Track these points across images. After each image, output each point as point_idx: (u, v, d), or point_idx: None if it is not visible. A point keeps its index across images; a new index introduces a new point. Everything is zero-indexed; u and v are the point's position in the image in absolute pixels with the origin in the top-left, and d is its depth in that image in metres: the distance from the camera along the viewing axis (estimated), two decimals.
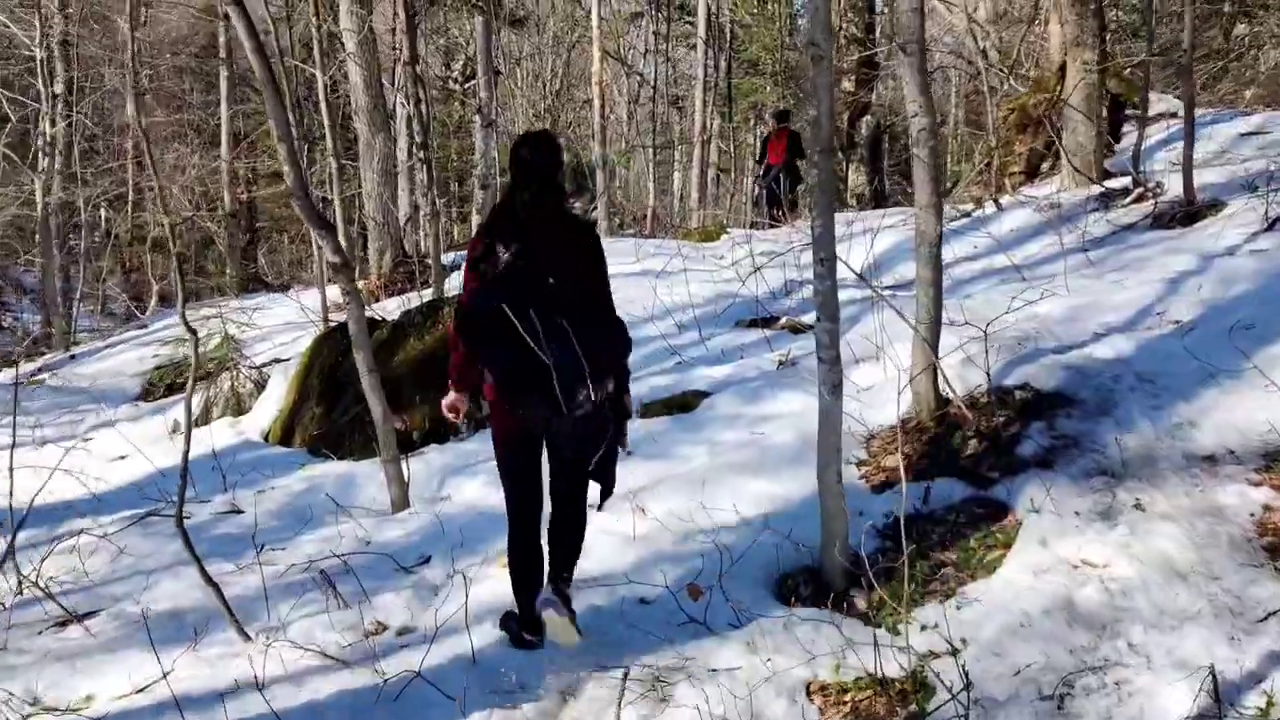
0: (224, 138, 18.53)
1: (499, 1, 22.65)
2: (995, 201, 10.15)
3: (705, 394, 6.37)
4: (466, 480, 5.61)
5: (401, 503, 5.42)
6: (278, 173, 17.25)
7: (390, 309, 9.12)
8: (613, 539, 4.56)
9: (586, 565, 4.21)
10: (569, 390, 3.35)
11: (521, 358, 3.34)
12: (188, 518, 5.69)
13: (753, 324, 7.87)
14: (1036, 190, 12.52)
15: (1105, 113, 11.85)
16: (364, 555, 4.82)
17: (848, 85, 23.50)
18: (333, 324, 8.47)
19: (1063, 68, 14.58)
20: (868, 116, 26.14)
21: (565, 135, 35.72)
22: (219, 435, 7.20)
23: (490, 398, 3.66)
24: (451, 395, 3.83)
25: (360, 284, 12.53)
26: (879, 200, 18.72)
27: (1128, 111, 14.89)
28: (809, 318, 7.79)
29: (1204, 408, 4.62)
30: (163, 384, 9.68)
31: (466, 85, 23.67)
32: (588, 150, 30.33)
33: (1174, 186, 8.51)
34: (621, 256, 11.16)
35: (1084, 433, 4.67)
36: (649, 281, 8.76)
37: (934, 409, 5.13)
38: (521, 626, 3.86)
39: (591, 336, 3.40)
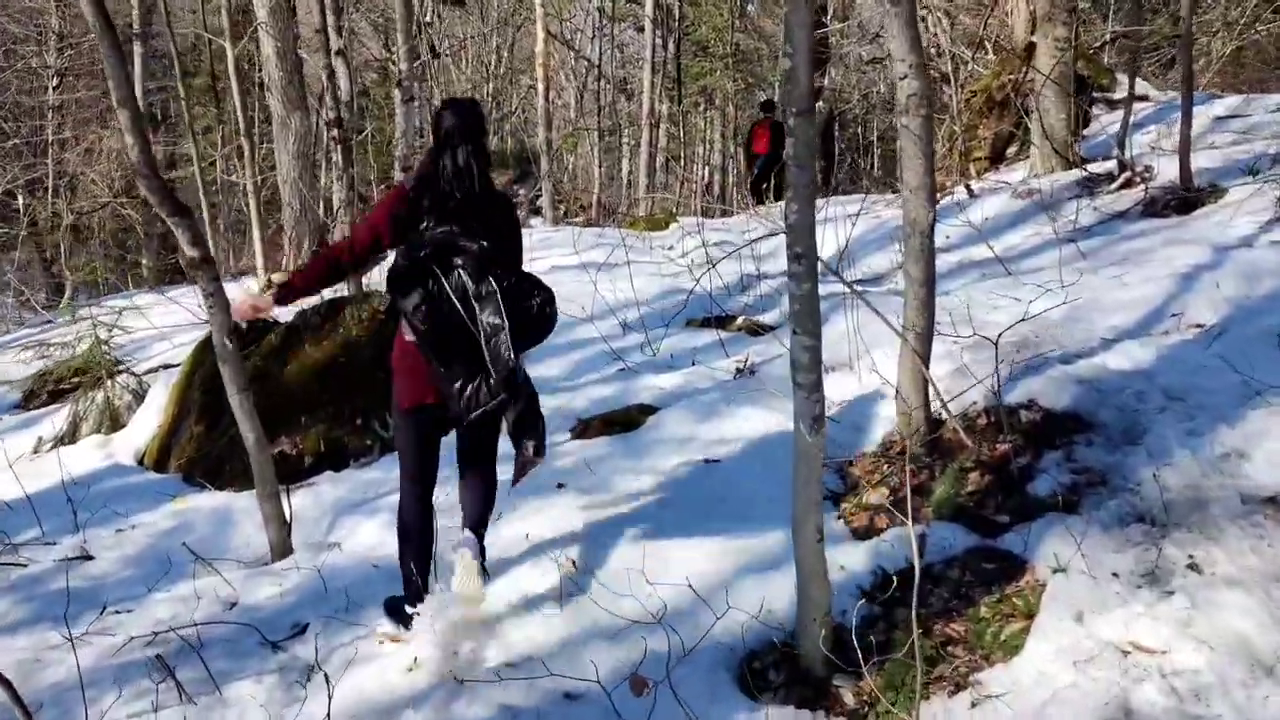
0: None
1: None
2: (967, 187, 9.33)
3: (652, 409, 5.46)
4: (363, 520, 4.64)
5: (281, 549, 4.45)
6: (208, 156, 16.07)
7: (305, 305, 8.08)
8: (534, 610, 3.63)
9: (498, 650, 3.30)
10: (495, 353, 3.34)
11: (451, 320, 3.36)
12: (24, 566, 4.70)
13: (705, 324, 6.98)
14: (1004, 176, 11.77)
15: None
16: (224, 624, 3.85)
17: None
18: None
19: (1029, 47, 13.84)
20: (819, 102, 25.48)
21: (510, 120, 34.74)
22: (85, 457, 6.14)
23: (398, 360, 3.59)
24: (266, 300, 3.68)
25: (277, 276, 11.46)
26: (829, 189, 18.03)
27: (1095, 94, 14.17)
28: (768, 316, 6.91)
29: (1253, 433, 3.79)
30: (45, 390, 8.56)
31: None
32: (533, 136, 29.38)
33: (1164, 171, 7.75)
34: (559, 248, 10.22)
35: (1111, 466, 3.83)
36: (589, 276, 7.82)
37: (925, 432, 4.27)
38: (408, 599, 3.68)
39: (518, 301, 3.40)
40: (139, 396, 6.79)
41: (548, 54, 20.18)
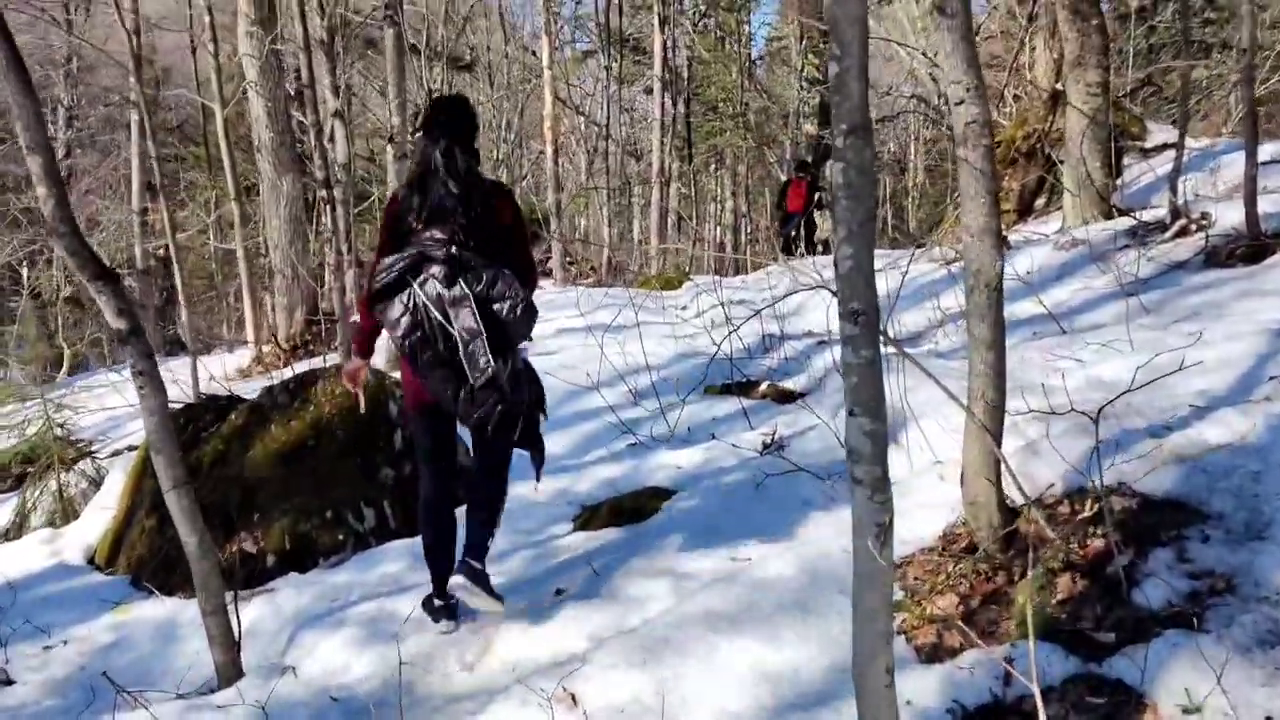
0: (135, 186, 16.79)
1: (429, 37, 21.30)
2: (1043, 234, 8.64)
3: (667, 492, 4.75)
4: (325, 636, 3.91)
5: (228, 673, 3.72)
6: (211, 225, 15.62)
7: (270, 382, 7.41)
8: None
9: None
10: (472, 359, 3.33)
11: (425, 328, 3.37)
12: None
13: (725, 390, 6.30)
14: (1036, 227, 11.14)
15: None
16: None
17: (810, 128, 22.50)
18: (210, 396, 6.74)
19: (1053, 96, 13.29)
20: (831, 160, 24.97)
21: (520, 185, 34.51)
22: (29, 555, 5.45)
23: (402, 362, 3.61)
24: (355, 361, 3.84)
25: (267, 348, 10.88)
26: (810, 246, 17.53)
27: (1126, 143, 13.54)
28: (795, 381, 6.21)
29: None
30: (13, 471, 7.89)
31: (415, 134, 22.29)
32: (543, 199, 29.03)
33: (1222, 218, 7.08)
34: (565, 309, 9.58)
35: (1237, 568, 3.08)
36: (596, 338, 7.16)
37: (997, 524, 3.53)
38: (434, 594, 3.79)
39: (489, 304, 3.36)
40: (97, 484, 6.12)
41: (556, 117, 19.84)
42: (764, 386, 6.08)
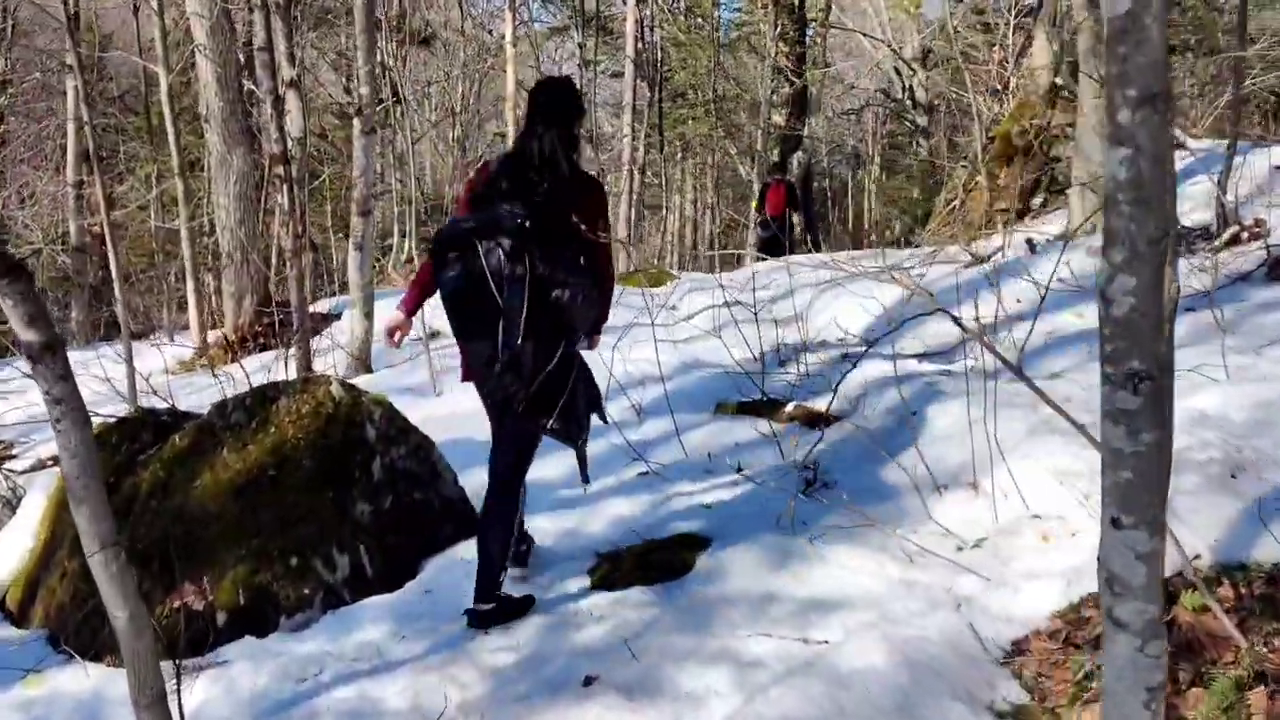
0: (70, 157, 15.60)
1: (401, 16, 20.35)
2: (1028, 241, 7.99)
3: (701, 540, 4.00)
4: None
5: None
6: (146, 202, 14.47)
7: (239, 378, 6.48)
8: None
9: None
10: (509, 334, 3.22)
11: (480, 296, 3.26)
12: None
13: (742, 410, 5.55)
14: (1040, 228, 10.54)
15: None
16: None
17: (778, 118, 21.88)
18: (149, 410, 5.81)
19: (1052, 90, 12.73)
20: (799, 152, 24.43)
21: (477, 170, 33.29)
22: None
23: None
24: (396, 316, 3.65)
25: (213, 336, 9.92)
26: (815, 246, 16.98)
27: None
28: (822, 401, 5.48)
29: None
30: None
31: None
32: None
33: (1277, 225, 6.52)
34: None
35: None
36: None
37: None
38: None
39: (547, 288, 3.27)
40: (12, 506, 5.22)
41: (516, 97, 18.95)
42: (790, 408, 5.34)
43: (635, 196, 17.58)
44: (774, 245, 13.60)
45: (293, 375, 6.64)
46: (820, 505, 4.09)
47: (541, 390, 3.36)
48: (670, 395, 5.69)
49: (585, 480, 3.73)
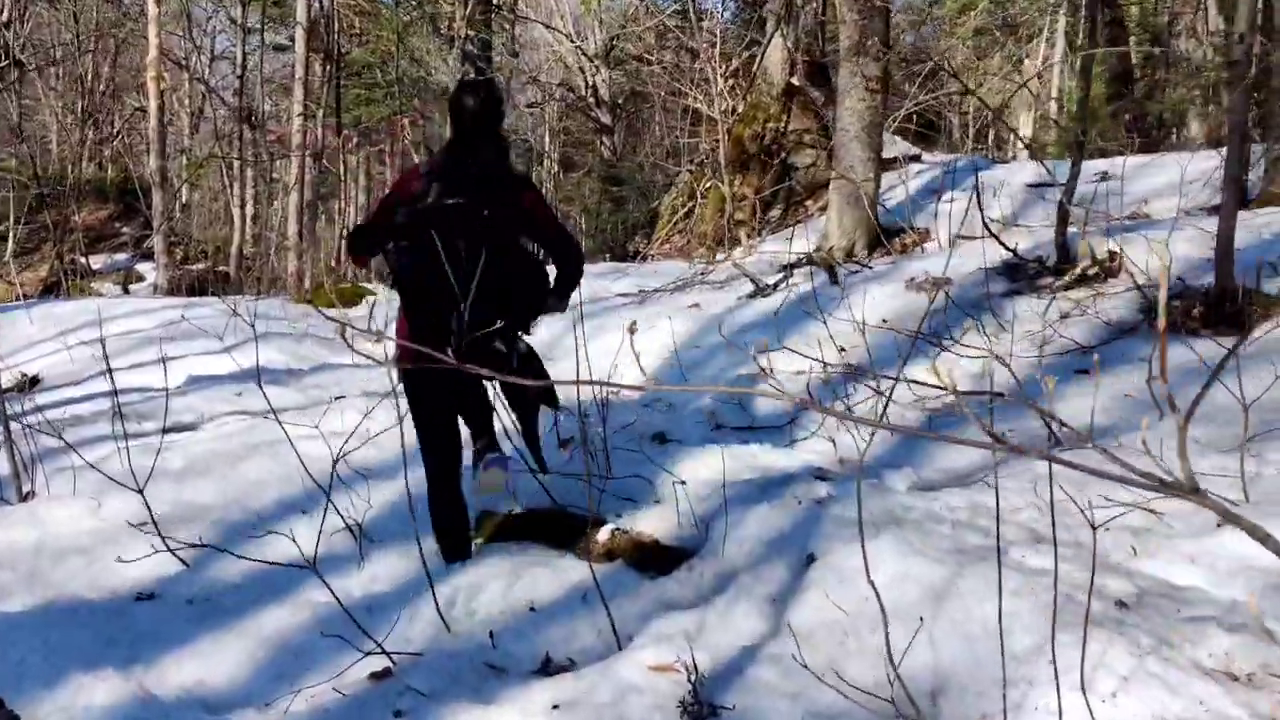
0: None
1: None
2: (830, 270, 6.58)
3: None
4: None
5: None
6: None
7: None
8: None
9: None
10: (460, 322, 3.27)
11: (432, 278, 3.28)
12: None
13: (523, 530, 3.66)
14: (782, 245, 9.38)
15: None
16: None
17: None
18: None
19: (787, 91, 11.72)
20: None
21: (114, 147, 29.02)
22: None
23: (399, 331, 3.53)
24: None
25: None
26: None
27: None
28: (652, 517, 3.72)
29: None
30: None
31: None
32: (142, 163, 24.21)
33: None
34: (198, 341, 6.34)
35: None
36: (264, 430, 4.20)
37: None
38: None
39: (508, 281, 3.40)
40: None
41: (160, 66, 15.79)
42: (605, 534, 3.49)
43: (310, 187, 14.94)
44: None
45: None
46: None
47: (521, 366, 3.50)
48: (404, 493, 3.67)
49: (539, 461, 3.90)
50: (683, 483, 3.44)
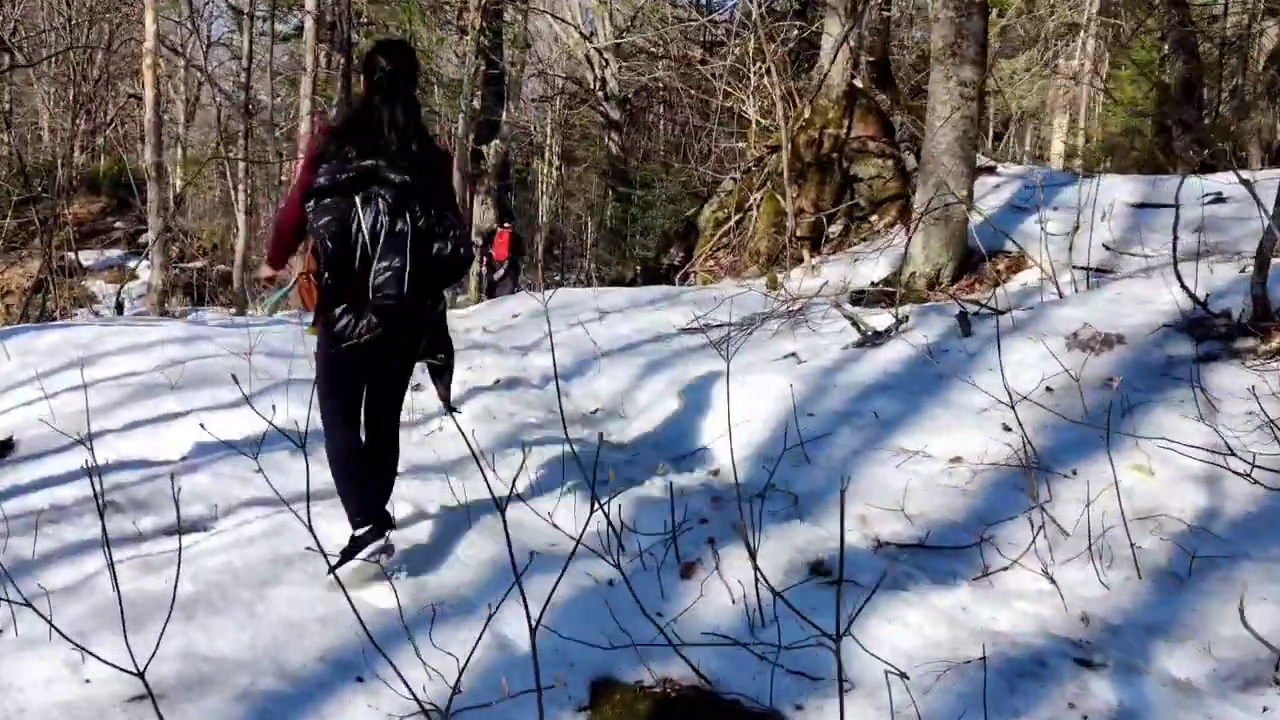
0: None
1: None
2: (960, 316, 5.50)
3: None
4: None
5: None
6: None
7: None
8: None
9: None
10: (384, 283, 3.23)
11: (356, 246, 3.24)
12: None
13: None
14: (839, 269, 8.41)
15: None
16: None
17: (476, 102, 19.71)
18: None
19: (848, 94, 10.69)
20: (496, 140, 21.76)
21: (107, 137, 28.04)
22: None
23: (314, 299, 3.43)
24: (264, 270, 3.95)
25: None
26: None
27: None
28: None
29: None
30: None
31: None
32: (134, 155, 23.16)
33: None
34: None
35: None
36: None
37: None
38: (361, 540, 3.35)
39: (429, 241, 3.32)
40: None
41: (157, 52, 14.78)
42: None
43: None
44: (497, 289, 14.06)
45: None
46: None
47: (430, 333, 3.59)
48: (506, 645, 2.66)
49: (450, 409, 4.42)
50: (903, 676, 2.43)
